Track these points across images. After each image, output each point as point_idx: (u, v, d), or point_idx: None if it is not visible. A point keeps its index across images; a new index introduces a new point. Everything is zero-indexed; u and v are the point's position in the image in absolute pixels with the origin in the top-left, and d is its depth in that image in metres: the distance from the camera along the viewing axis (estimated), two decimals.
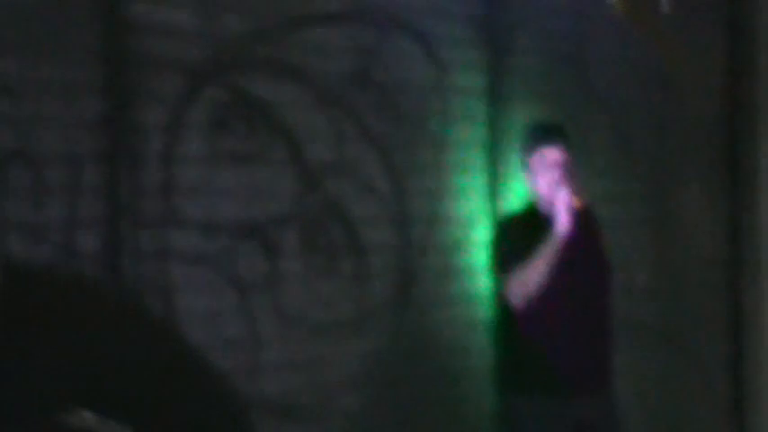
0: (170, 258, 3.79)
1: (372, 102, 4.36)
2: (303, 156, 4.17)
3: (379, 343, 4.35)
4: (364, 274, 4.31)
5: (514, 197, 4.64)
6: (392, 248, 4.45)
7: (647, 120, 5.42)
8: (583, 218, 3.91)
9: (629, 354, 5.20)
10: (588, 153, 5.12)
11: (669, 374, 5.49)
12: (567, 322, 3.84)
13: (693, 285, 5.62)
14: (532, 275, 3.72)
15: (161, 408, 2.03)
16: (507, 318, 3.96)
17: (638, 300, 5.31)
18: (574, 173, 3.99)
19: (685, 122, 5.59)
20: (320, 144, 4.22)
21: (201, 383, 2.10)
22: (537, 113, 4.89)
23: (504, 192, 4.73)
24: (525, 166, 4.08)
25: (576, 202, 3.81)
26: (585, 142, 5.10)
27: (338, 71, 4.27)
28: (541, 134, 3.99)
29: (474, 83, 4.73)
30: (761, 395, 5.76)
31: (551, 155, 3.95)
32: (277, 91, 4.10)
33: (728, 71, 5.83)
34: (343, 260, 4.25)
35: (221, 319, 3.91)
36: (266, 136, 4.07)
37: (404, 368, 4.43)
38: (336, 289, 4.21)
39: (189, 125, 3.88)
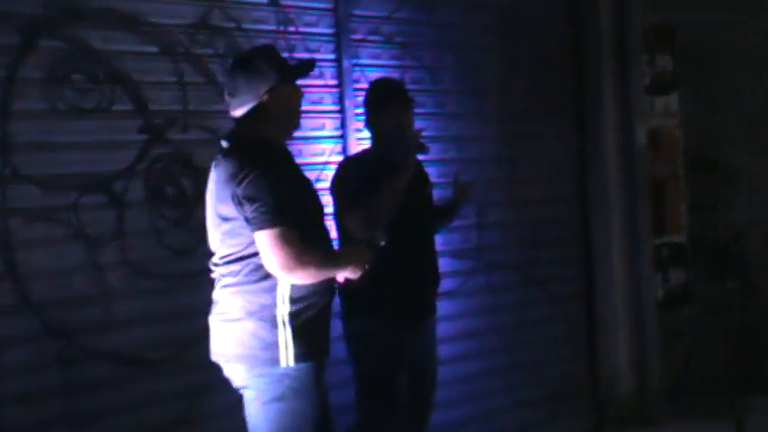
0: (10, 215, 3.72)
1: (217, 50, 4.32)
2: (147, 107, 4.11)
3: None
4: None
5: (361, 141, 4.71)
6: None
7: (496, 63, 5.50)
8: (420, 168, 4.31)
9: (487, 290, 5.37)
10: (439, 97, 5.19)
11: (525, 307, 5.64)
12: (414, 255, 4.14)
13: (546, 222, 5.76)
14: (378, 211, 3.88)
15: None
16: None
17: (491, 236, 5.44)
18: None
19: (533, 65, 5.68)
20: (165, 94, 4.17)
21: None
22: (384, 57, 4.94)
23: (353, 134, 4.76)
24: (375, 118, 4.20)
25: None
26: (436, 86, 5.17)
27: (180, 20, 4.22)
28: (394, 99, 4.16)
29: (320, 28, 4.72)
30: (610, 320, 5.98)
31: (405, 119, 4.17)
32: (117, 42, 4.03)
33: (573, 17, 5.93)
34: (193, 210, 4.21)
35: (68, 275, 3.86)
36: (108, 88, 4.01)
37: None
38: (187, 240, 4.19)
39: (25, 79, 3.80)
